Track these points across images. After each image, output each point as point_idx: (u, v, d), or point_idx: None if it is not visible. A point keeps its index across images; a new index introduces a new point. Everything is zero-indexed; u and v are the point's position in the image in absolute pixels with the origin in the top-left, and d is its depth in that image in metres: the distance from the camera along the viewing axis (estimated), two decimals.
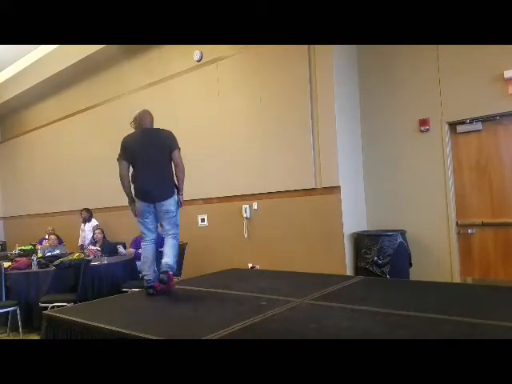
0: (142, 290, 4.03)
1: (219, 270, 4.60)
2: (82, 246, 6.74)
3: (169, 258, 3.45)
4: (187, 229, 5.85)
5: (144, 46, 6.43)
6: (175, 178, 3.59)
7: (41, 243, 7.01)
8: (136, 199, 3.53)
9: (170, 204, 3.48)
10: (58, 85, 8.07)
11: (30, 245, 6.96)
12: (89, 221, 7.14)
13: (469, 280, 4.32)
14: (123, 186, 3.55)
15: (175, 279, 3.76)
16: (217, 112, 5.62)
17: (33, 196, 9.19)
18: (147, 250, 3.58)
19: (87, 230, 7.07)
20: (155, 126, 3.68)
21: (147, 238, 3.60)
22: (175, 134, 3.63)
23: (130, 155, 3.50)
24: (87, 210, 7.19)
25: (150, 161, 3.48)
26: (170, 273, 3.41)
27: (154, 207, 3.48)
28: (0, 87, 8.86)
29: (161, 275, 3.37)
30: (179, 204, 3.60)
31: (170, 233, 3.55)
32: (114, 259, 5.20)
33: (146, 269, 3.54)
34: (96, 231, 6.36)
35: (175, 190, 3.54)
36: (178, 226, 3.62)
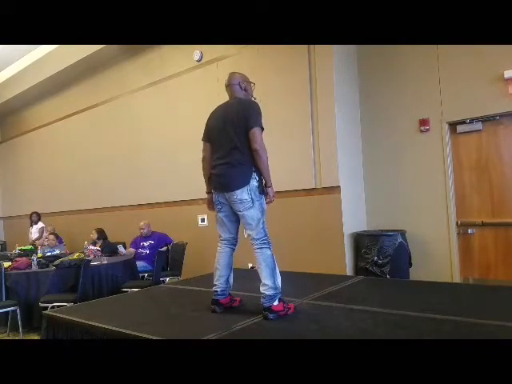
0: (141, 289, 4.04)
1: None
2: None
3: (265, 278, 2.64)
4: (187, 229, 5.87)
5: (144, 46, 6.42)
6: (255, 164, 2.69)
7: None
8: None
9: (243, 192, 2.63)
10: (58, 85, 8.07)
11: (30, 245, 6.98)
12: (35, 223, 7.90)
13: (469, 280, 4.32)
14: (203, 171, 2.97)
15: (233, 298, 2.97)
16: None
17: (33, 196, 9.19)
18: (218, 253, 2.89)
19: (34, 232, 7.84)
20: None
21: (219, 238, 2.91)
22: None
23: (206, 133, 2.93)
24: (36, 213, 7.97)
25: (219, 140, 2.77)
26: (278, 299, 2.64)
27: (226, 199, 2.74)
28: (0, 87, 8.86)
29: (264, 312, 2.61)
30: (261, 191, 2.68)
31: (255, 237, 2.68)
32: (113, 259, 5.19)
33: (215, 277, 2.87)
34: (49, 236, 6.47)
35: (253, 178, 2.65)
36: (261, 223, 2.68)
